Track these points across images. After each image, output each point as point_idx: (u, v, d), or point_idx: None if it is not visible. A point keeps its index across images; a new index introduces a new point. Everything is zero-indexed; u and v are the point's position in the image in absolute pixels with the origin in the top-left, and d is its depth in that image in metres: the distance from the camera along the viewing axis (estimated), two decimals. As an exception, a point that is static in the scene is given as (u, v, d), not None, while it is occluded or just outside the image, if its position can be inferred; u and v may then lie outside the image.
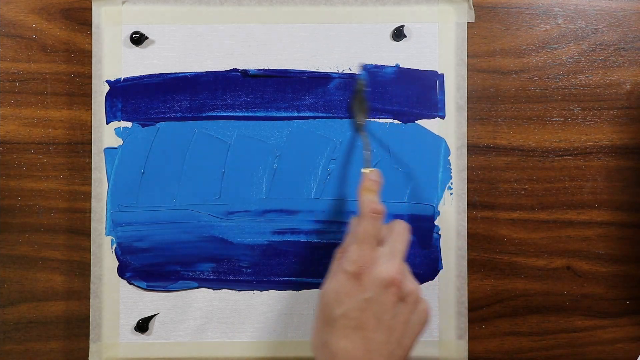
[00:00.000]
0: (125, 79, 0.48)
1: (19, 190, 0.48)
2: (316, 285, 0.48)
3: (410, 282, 0.38)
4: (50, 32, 0.48)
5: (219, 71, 0.48)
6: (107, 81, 0.47)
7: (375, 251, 0.38)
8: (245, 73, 0.48)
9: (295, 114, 0.48)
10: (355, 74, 0.48)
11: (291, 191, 0.48)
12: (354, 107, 0.47)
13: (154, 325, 0.48)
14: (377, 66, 0.48)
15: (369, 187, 0.41)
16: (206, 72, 0.48)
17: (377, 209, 0.39)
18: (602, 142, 0.49)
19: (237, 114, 0.48)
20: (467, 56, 0.48)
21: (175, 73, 0.48)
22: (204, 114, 0.48)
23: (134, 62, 0.48)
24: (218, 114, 0.48)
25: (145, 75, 0.48)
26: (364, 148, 0.46)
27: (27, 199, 0.48)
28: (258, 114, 0.48)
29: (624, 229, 0.48)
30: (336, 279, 0.38)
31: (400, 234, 0.40)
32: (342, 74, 0.48)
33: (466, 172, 0.48)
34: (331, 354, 0.37)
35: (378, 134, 0.48)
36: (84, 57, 0.48)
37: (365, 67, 0.47)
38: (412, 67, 0.48)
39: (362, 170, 0.42)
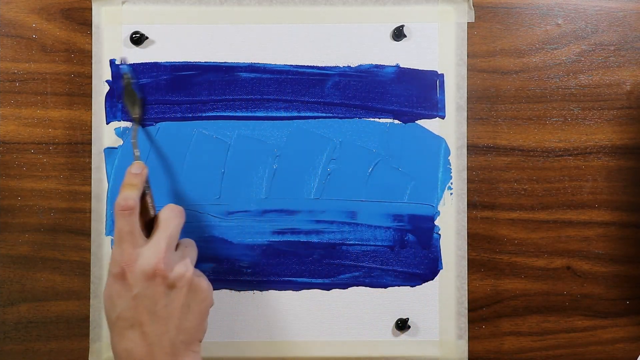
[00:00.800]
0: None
1: (19, 190, 0.48)
2: (316, 285, 0.48)
3: (180, 266, 0.39)
4: (50, 32, 0.48)
5: (219, 71, 0.48)
6: (107, 81, 0.47)
7: (135, 246, 0.38)
8: (245, 72, 0.48)
9: (295, 114, 0.48)
10: (354, 69, 0.48)
11: (291, 191, 0.48)
12: (126, 103, 0.47)
13: (154, 325, 0.48)
14: (377, 66, 0.48)
15: (129, 182, 0.41)
16: (206, 72, 0.48)
17: (125, 205, 0.39)
18: (602, 142, 0.49)
19: (237, 114, 0.48)
20: (467, 56, 0.48)
21: (175, 73, 0.48)
22: (204, 114, 0.48)
23: (134, 62, 0.48)
24: (218, 113, 0.48)
25: (145, 75, 0.48)
26: (132, 144, 0.45)
27: (27, 199, 0.48)
28: (258, 114, 0.48)
29: (624, 229, 0.48)
30: (107, 283, 0.39)
31: (166, 219, 0.40)
32: (342, 74, 0.48)
33: (466, 172, 0.48)
34: (118, 357, 0.38)
35: (378, 134, 0.48)
36: (84, 57, 0.48)
37: (123, 59, 0.47)
38: (412, 67, 0.48)
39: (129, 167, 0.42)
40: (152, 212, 0.42)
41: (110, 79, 0.47)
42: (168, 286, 0.38)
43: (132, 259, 0.38)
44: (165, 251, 0.38)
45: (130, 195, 0.40)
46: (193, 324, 0.38)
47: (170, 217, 0.40)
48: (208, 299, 0.40)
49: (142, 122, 0.47)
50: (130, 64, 0.47)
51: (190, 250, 0.41)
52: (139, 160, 0.43)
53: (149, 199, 0.42)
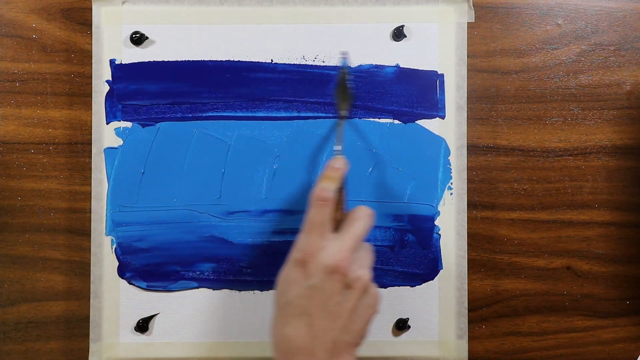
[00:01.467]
0: (125, 79, 0.48)
1: (19, 190, 0.48)
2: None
3: (359, 268, 0.38)
4: (50, 32, 0.48)
5: (219, 71, 0.48)
6: (107, 81, 0.47)
7: (322, 238, 0.38)
8: (245, 72, 0.48)
9: (295, 114, 0.48)
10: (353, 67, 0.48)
11: (291, 191, 0.48)
12: (337, 97, 0.46)
13: (154, 325, 0.48)
14: (377, 66, 0.48)
15: (328, 175, 0.41)
16: (206, 72, 0.48)
17: (323, 196, 0.39)
18: (602, 142, 0.49)
19: (237, 114, 0.48)
20: (467, 56, 0.48)
21: (175, 73, 0.48)
22: (204, 114, 0.48)
23: (134, 62, 0.48)
24: (218, 113, 0.48)
25: (145, 75, 0.48)
26: (336, 139, 0.45)
27: (27, 199, 0.48)
28: (258, 114, 0.48)
29: (624, 229, 0.49)
30: (286, 267, 0.39)
31: (356, 219, 0.40)
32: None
33: (466, 172, 0.48)
34: (277, 341, 0.38)
35: (378, 134, 0.48)
36: (84, 57, 0.48)
37: (344, 54, 0.47)
38: (412, 67, 0.48)
39: (329, 160, 0.42)
40: (341, 210, 0.42)
41: (110, 79, 0.47)
42: (345, 285, 0.38)
43: (316, 250, 0.38)
44: (350, 250, 0.38)
45: (328, 187, 0.40)
46: (358, 327, 0.38)
47: (361, 218, 0.40)
48: (376, 306, 0.39)
49: (347, 118, 0.46)
50: (347, 62, 0.46)
51: (369, 255, 0.41)
52: (341, 156, 0.43)
53: (342, 197, 0.42)
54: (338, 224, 0.40)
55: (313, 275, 0.37)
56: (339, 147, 0.44)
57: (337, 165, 0.41)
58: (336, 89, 0.47)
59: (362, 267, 0.39)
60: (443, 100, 0.48)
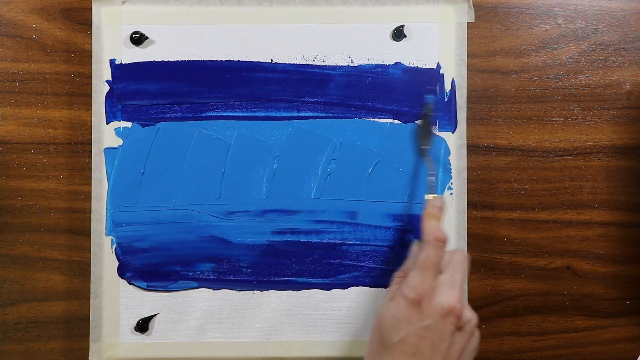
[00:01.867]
0: (125, 79, 0.48)
1: (19, 190, 0.48)
2: (316, 285, 0.48)
3: (468, 311, 0.39)
4: (50, 32, 0.48)
5: (219, 71, 0.48)
6: (107, 81, 0.47)
7: (435, 279, 0.39)
8: (245, 72, 0.48)
9: (295, 114, 0.48)
10: (357, 66, 0.48)
11: (291, 191, 0.48)
12: (419, 132, 0.47)
13: (154, 325, 0.48)
14: (377, 66, 0.48)
15: (433, 214, 0.42)
16: (206, 72, 0.48)
17: (440, 236, 0.40)
18: (602, 142, 0.49)
19: (237, 114, 0.48)
20: (467, 56, 0.48)
21: (175, 73, 0.48)
22: (204, 114, 0.48)
23: (134, 62, 0.48)
24: (218, 113, 0.48)
25: (145, 75, 0.48)
26: (428, 174, 0.46)
27: (27, 199, 0.48)
28: (258, 114, 0.48)
29: (624, 229, 0.49)
30: (396, 304, 0.38)
31: (459, 262, 0.40)
32: (342, 74, 0.48)
33: (466, 172, 0.48)
34: None
35: (378, 134, 0.48)
36: (84, 57, 0.48)
37: (433, 91, 0.47)
38: (412, 67, 0.48)
39: (426, 196, 0.43)
40: None
41: (110, 79, 0.47)
42: (457, 327, 0.38)
43: (431, 290, 0.38)
44: (461, 292, 0.39)
45: (439, 227, 0.41)
46: None
47: (464, 261, 0.41)
48: (476, 349, 0.40)
49: (429, 153, 0.47)
50: (432, 97, 0.47)
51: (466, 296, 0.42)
52: (440, 195, 0.45)
53: None
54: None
55: (429, 316, 0.37)
56: (432, 179, 0.45)
57: (439, 205, 0.42)
58: (419, 124, 0.47)
59: (471, 310, 0.39)
60: (443, 100, 0.48)
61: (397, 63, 0.48)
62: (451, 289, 0.38)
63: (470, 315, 0.39)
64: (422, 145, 0.47)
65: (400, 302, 0.38)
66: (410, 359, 0.37)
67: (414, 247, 0.42)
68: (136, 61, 0.48)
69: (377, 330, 0.39)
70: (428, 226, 0.41)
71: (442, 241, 0.40)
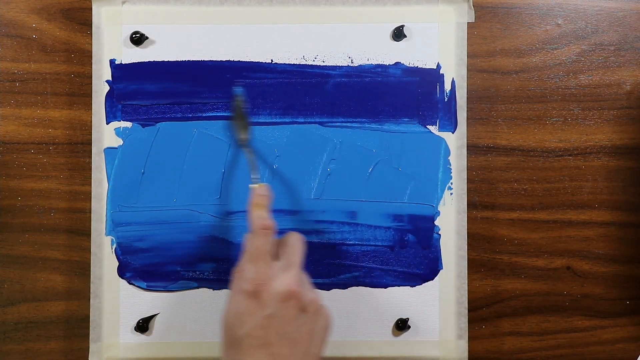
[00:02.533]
0: (125, 79, 0.48)
1: (19, 190, 0.48)
2: (316, 285, 0.48)
3: (310, 292, 0.39)
4: (50, 32, 0.48)
5: (220, 71, 0.48)
6: (107, 81, 0.47)
7: (270, 267, 0.38)
8: (245, 71, 0.48)
9: (295, 114, 0.48)
10: (355, 67, 0.48)
11: (291, 191, 0.48)
12: (235, 125, 0.47)
13: (154, 325, 0.48)
14: (377, 66, 0.48)
15: (258, 203, 0.41)
16: (206, 72, 0.48)
17: (266, 224, 0.39)
18: (602, 142, 0.49)
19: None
20: (467, 56, 0.48)
21: (175, 73, 0.48)
22: (204, 114, 0.48)
23: (134, 62, 0.48)
24: (218, 114, 0.48)
25: (145, 75, 0.48)
26: (249, 165, 0.45)
27: (27, 199, 0.48)
28: (260, 120, 0.48)
29: (624, 229, 0.49)
30: (235, 299, 0.38)
31: (293, 245, 0.40)
32: (342, 74, 0.48)
33: (466, 172, 0.48)
34: None
35: (378, 134, 0.48)
36: (84, 57, 0.48)
37: (240, 83, 0.47)
38: (412, 67, 0.48)
39: (250, 185, 0.43)
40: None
41: (110, 78, 0.47)
42: (300, 309, 0.38)
43: (267, 278, 0.38)
44: (298, 275, 0.39)
45: (265, 215, 0.40)
46: (317, 350, 0.38)
47: (298, 242, 0.41)
48: (329, 327, 0.40)
49: (248, 143, 0.47)
50: (241, 88, 0.47)
51: (308, 279, 0.41)
52: (264, 183, 0.44)
53: None
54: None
55: (269, 305, 0.37)
56: (256, 176, 0.44)
57: (263, 193, 0.42)
58: (233, 117, 0.47)
59: (313, 290, 0.39)
60: (443, 100, 0.48)
61: (397, 63, 0.48)
62: (287, 272, 0.38)
63: (312, 296, 0.38)
64: (240, 137, 0.46)
65: (239, 296, 0.38)
66: (259, 351, 0.36)
67: (246, 238, 0.40)
68: (136, 61, 0.48)
69: (224, 330, 0.38)
70: (254, 216, 0.40)
71: (269, 229, 0.39)
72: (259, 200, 0.41)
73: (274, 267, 0.39)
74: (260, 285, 0.37)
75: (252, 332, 0.37)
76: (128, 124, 0.48)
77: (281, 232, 0.48)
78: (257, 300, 0.37)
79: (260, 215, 0.40)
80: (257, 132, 0.48)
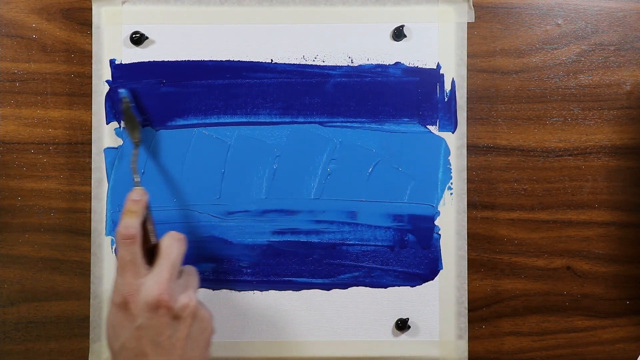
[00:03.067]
0: (125, 79, 0.48)
1: (19, 190, 0.48)
2: (316, 285, 0.48)
3: (184, 297, 0.38)
4: (50, 32, 0.48)
5: (220, 71, 0.48)
6: (107, 81, 0.47)
7: (137, 276, 0.38)
8: (246, 71, 0.48)
9: (295, 114, 0.48)
10: (354, 67, 0.48)
11: (291, 191, 0.48)
12: (126, 127, 0.46)
13: (154, 325, 0.48)
14: (377, 66, 0.48)
15: (130, 209, 0.40)
16: (206, 72, 0.48)
17: (127, 234, 0.38)
18: (602, 142, 0.49)
19: (237, 120, 0.48)
20: (467, 56, 0.48)
21: (175, 73, 0.48)
22: (204, 114, 0.48)
23: (134, 62, 0.48)
24: (218, 114, 0.48)
25: (145, 75, 0.48)
26: (132, 170, 0.45)
27: (27, 199, 0.48)
28: (260, 119, 0.48)
29: (624, 229, 0.49)
30: (110, 312, 0.38)
31: (166, 248, 0.39)
32: (342, 74, 0.48)
33: (466, 172, 0.48)
34: None
35: (378, 134, 0.48)
36: (84, 57, 0.48)
37: (124, 86, 0.47)
38: (412, 67, 0.48)
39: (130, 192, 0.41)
40: (153, 240, 0.42)
41: (110, 79, 0.47)
42: (172, 317, 0.37)
43: (135, 289, 0.37)
44: (169, 281, 0.38)
45: (131, 223, 0.39)
46: (197, 353, 0.38)
47: (172, 245, 0.40)
48: (210, 328, 0.40)
49: (140, 144, 0.46)
50: (125, 90, 0.46)
51: (193, 278, 0.41)
52: (139, 187, 0.43)
53: (149, 226, 0.42)
54: (151, 256, 0.40)
55: (138, 315, 0.37)
56: (137, 179, 0.44)
57: (136, 198, 0.41)
58: (123, 120, 0.47)
59: (186, 294, 0.38)
60: (443, 100, 0.48)
61: (397, 63, 0.48)
62: (155, 281, 0.38)
63: (185, 301, 0.38)
64: (133, 139, 0.46)
65: (112, 309, 0.38)
66: None
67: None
68: (136, 61, 0.48)
69: (106, 342, 0.39)
70: (119, 225, 0.39)
71: (130, 238, 0.38)
72: (130, 206, 0.40)
73: (143, 277, 0.38)
74: (128, 296, 0.37)
75: (127, 343, 0.37)
76: (128, 124, 0.48)
77: (279, 232, 0.48)
78: (127, 311, 0.37)
79: (125, 224, 0.39)
80: (257, 132, 0.48)
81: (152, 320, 0.37)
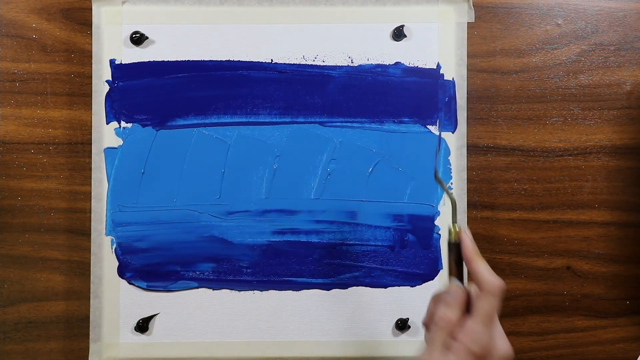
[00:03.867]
0: (125, 79, 0.48)
1: (19, 190, 0.48)
2: (316, 285, 0.48)
3: (503, 343, 0.38)
4: (50, 32, 0.48)
5: (220, 71, 0.48)
6: (107, 81, 0.47)
7: (493, 329, 0.37)
8: (246, 71, 0.48)
9: (295, 114, 0.48)
10: (354, 66, 0.48)
11: (291, 191, 0.48)
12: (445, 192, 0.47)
13: (154, 325, 0.48)
14: (377, 66, 0.48)
15: (478, 252, 0.38)
16: (206, 72, 0.48)
17: (503, 286, 0.37)
18: (602, 142, 0.49)
19: (238, 120, 0.48)
20: (467, 56, 0.48)
21: (175, 73, 0.48)
22: (204, 114, 0.48)
23: (134, 62, 0.48)
24: (218, 114, 0.48)
25: (145, 75, 0.48)
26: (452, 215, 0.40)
27: (27, 199, 0.48)
28: (260, 119, 0.48)
29: (624, 229, 0.49)
30: (457, 358, 0.36)
31: (491, 307, 0.38)
32: (342, 74, 0.48)
33: (466, 172, 0.48)
34: None
35: (378, 134, 0.48)
36: (84, 57, 0.48)
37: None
38: (412, 67, 0.48)
39: (452, 226, 0.38)
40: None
41: (110, 78, 0.47)
42: None
43: (491, 343, 0.37)
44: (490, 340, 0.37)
45: (493, 274, 0.37)
46: None
47: (489, 297, 0.37)
48: None
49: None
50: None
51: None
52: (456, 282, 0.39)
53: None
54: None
55: None
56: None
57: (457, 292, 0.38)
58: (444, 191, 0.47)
59: (504, 342, 0.38)
60: (443, 100, 0.48)
61: (397, 63, 0.48)
62: (503, 337, 0.38)
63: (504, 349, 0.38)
64: (452, 200, 0.41)
65: (464, 356, 0.36)
66: None
67: (453, 286, 0.38)
68: (136, 61, 0.48)
69: None
70: (483, 271, 0.37)
71: (504, 291, 0.37)
72: (476, 249, 0.38)
73: (494, 331, 0.37)
74: (487, 349, 0.36)
75: None
76: (128, 124, 0.48)
77: (279, 232, 0.48)
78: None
79: (492, 272, 0.37)
80: (257, 132, 0.48)
81: None
